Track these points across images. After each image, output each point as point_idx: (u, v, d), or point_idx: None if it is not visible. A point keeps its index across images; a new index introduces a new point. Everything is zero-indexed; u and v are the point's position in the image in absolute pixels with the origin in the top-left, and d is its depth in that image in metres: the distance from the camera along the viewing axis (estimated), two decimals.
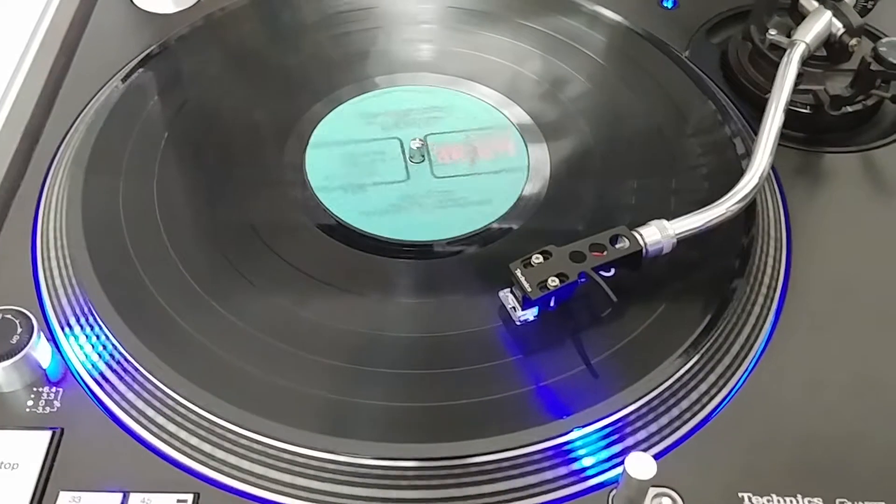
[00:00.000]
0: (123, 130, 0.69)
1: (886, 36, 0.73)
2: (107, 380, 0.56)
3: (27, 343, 0.55)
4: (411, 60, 0.77)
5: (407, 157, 0.69)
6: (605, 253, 0.58)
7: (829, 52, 0.73)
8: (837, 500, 0.52)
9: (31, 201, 0.66)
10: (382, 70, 0.76)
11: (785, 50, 0.70)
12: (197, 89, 0.74)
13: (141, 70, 0.74)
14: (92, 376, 0.56)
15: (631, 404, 0.54)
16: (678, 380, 0.56)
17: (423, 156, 0.69)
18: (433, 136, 0.71)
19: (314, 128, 0.71)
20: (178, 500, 0.51)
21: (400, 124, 0.72)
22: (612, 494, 0.52)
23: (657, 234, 0.59)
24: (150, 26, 0.80)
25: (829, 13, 0.71)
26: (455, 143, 0.71)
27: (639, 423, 0.54)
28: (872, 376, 0.58)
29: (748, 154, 0.66)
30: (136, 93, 0.72)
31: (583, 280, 0.57)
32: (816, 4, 0.72)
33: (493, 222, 0.65)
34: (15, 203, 0.66)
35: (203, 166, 0.68)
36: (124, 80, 0.73)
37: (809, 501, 0.52)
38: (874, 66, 0.69)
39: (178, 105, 0.72)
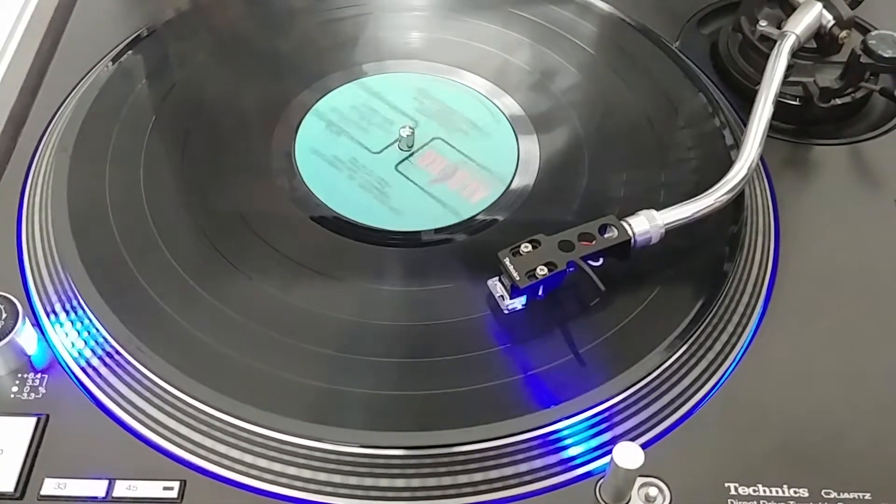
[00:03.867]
0: (110, 115, 0.68)
1: (876, 28, 0.73)
2: (92, 367, 0.56)
3: (12, 329, 0.55)
4: (401, 48, 0.77)
5: (396, 144, 0.69)
6: (593, 242, 0.58)
7: (819, 44, 0.73)
8: (823, 491, 0.52)
9: (16, 186, 0.66)
10: (371, 57, 0.76)
11: (775, 41, 0.70)
12: (184, 74, 0.73)
13: (128, 54, 0.73)
14: (77, 363, 0.56)
15: (619, 394, 0.54)
16: (666, 370, 0.56)
17: (412, 143, 0.69)
18: (423, 124, 0.71)
19: (303, 115, 0.71)
20: (165, 488, 0.51)
21: (389, 111, 0.72)
22: (599, 484, 0.52)
23: (646, 224, 0.59)
24: (138, 10, 0.80)
25: (819, 5, 0.71)
26: (445, 130, 0.70)
27: (626, 413, 0.54)
28: (859, 367, 0.58)
29: (737, 145, 0.66)
30: (123, 77, 0.71)
31: (571, 269, 0.57)
32: None
33: (482, 212, 0.65)
34: (0, 187, 0.66)
35: (191, 152, 0.68)
36: (111, 64, 0.72)
37: (795, 492, 0.52)
38: (864, 59, 0.69)
39: (166, 90, 0.71)
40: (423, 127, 0.70)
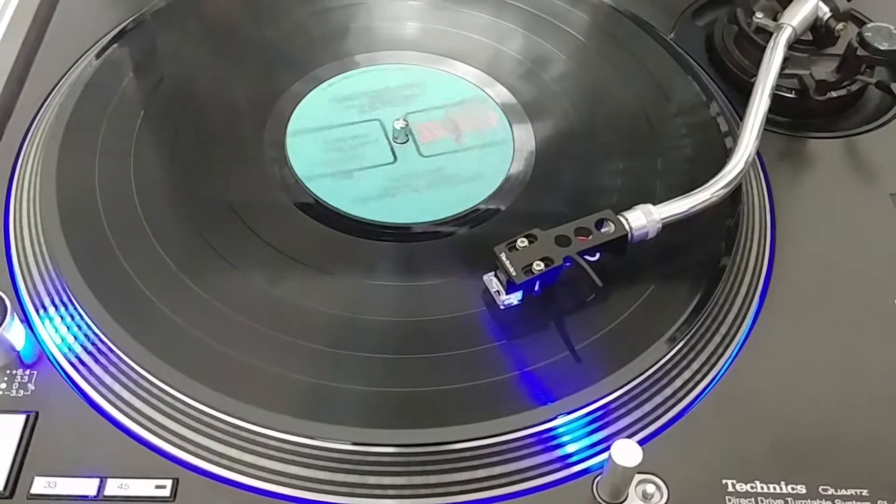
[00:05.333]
0: (99, 106, 0.67)
1: (872, 21, 0.72)
2: (82, 362, 0.55)
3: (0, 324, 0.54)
4: (393, 38, 0.76)
5: (390, 137, 0.68)
6: (590, 237, 0.58)
7: (815, 37, 0.72)
8: (821, 487, 0.52)
9: (3, 178, 0.65)
10: (363, 48, 0.75)
11: (771, 33, 0.70)
12: (174, 65, 0.72)
13: (117, 44, 0.72)
14: (67, 359, 0.55)
15: (616, 390, 0.54)
16: (663, 366, 0.55)
17: (406, 136, 0.68)
18: (415, 115, 0.70)
19: (294, 107, 0.70)
20: (157, 486, 0.50)
21: (382, 103, 0.71)
22: (596, 481, 0.51)
23: (642, 219, 0.58)
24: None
25: None
26: (437, 120, 0.70)
27: (623, 410, 0.54)
28: (856, 362, 0.58)
29: (732, 133, 0.66)
30: (112, 68, 0.70)
31: (568, 264, 0.57)
32: None
33: (476, 205, 0.65)
34: None
35: (181, 144, 0.67)
36: (99, 54, 0.71)
37: (793, 488, 0.52)
38: (860, 52, 0.69)
39: (155, 81, 0.70)
40: (419, 120, 0.70)
